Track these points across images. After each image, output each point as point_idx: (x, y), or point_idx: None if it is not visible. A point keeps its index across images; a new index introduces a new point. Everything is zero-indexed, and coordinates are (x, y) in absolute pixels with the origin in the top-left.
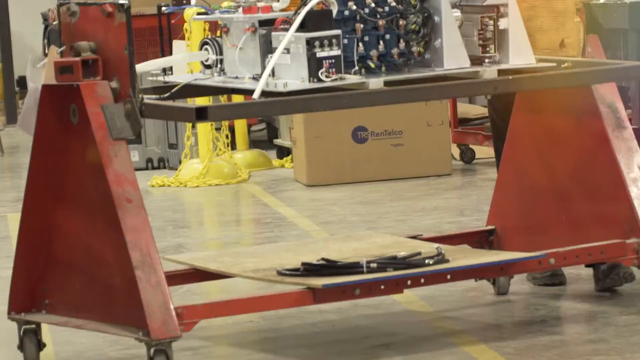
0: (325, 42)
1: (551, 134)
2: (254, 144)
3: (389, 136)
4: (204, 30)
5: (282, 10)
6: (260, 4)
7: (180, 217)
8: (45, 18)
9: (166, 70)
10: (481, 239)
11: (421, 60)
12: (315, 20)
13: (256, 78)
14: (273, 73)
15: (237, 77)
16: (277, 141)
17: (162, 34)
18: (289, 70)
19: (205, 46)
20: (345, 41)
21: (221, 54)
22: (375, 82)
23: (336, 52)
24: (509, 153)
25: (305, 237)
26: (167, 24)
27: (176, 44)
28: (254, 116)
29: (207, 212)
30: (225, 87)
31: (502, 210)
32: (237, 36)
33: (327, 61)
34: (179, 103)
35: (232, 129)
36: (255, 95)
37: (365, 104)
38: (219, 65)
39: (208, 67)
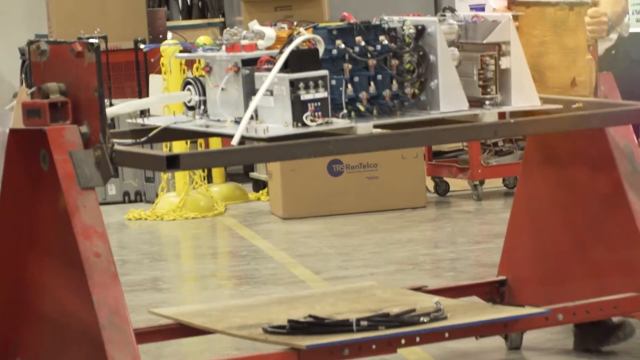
0: (311, 83)
1: (565, 179)
2: (230, 177)
3: (364, 169)
4: (181, 64)
5: (268, 48)
6: (244, 42)
7: (157, 250)
8: (22, 53)
9: (145, 112)
10: (492, 290)
11: (416, 103)
12: (299, 60)
13: (238, 121)
14: (256, 116)
15: (219, 120)
16: (253, 174)
17: (138, 68)
18: (272, 113)
19: (188, 86)
20: (334, 82)
21: (204, 94)
22: (364, 127)
23: (322, 94)
24: (520, 199)
25: (284, 271)
26: (144, 58)
27: (153, 78)
28: (231, 164)
29: (184, 245)
30: (205, 131)
31: (514, 260)
32: (220, 76)
33: (313, 104)
34: (150, 150)
35: None
36: (234, 141)
37: (353, 150)
38: (202, 107)
39: (191, 108)
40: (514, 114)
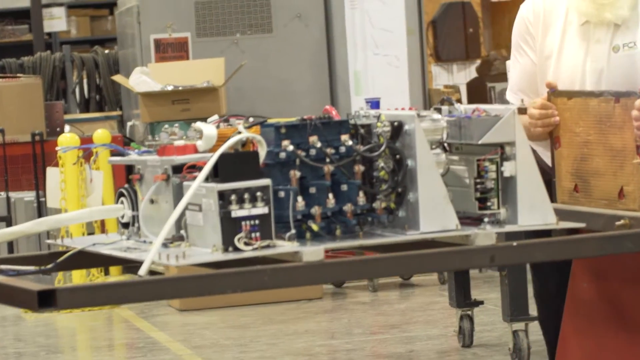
0: (246, 196)
1: (617, 304)
2: (127, 268)
3: None
4: (77, 157)
5: (211, 150)
6: (178, 143)
7: (53, 342)
8: None
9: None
10: None
11: (393, 220)
12: (232, 166)
13: (165, 244)
14: (187, 236)
15: (145, 242)
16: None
17: (35, 161)
18: (201, 233)
19: (121, 198)
20: (282, 194)
21: (138, 208)
22: (313, 253)
23: (262, 209)
24: (570, 328)
25: None
26: (41, 151)
27: (50, 171)
28: (123, 302)
29: (80, 337)
30: (117, 256)
31: None
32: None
33: (248, 223)
34: (24, 282)
35: None
36: (142, 271)
37: (295, 282)
38: (136, 224)
39: (126, 225)
40: (518, 235)
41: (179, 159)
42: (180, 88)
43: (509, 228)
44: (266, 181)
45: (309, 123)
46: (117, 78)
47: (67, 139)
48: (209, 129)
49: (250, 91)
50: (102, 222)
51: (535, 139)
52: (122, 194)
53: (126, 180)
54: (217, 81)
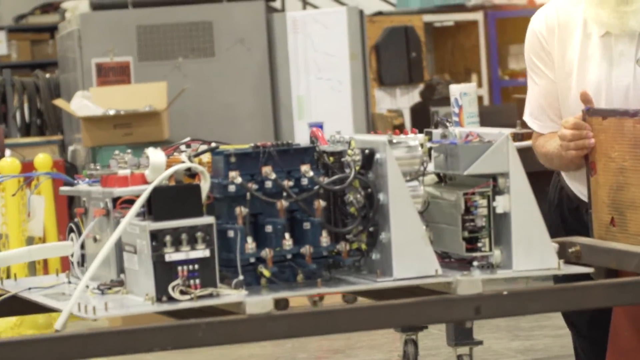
0: (184, 236)
1: None
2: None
3: None
4: (19, 182)
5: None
6: (122, 172)
7: None
8: None
9: None
10: None
11: (364, 264)
12: (168, 202)
13: (102, 289)
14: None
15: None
16: None
17: None
18: (137, 279)
19: (71, 234)
20: (231, 234)
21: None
22: (258, 304)
23: (202, 252)
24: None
25: None
26: None
27: None
28: None
29: None
30: (43, 303)
31: None
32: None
33: (185, 268)
34: None
35: None
36: (58, 324)
37: (235, 339)
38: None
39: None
40: (511, 281)
41: (118, 191)
42: (122, 112)
43: (501, 274)
44: (208, 219)
45: (262, 151)
46: (59, 102)
47: (8, 163)
48: (156, 156)
49: (193, 115)
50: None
51: (568, 166)
52: (72, 229)
53: (67, 206)
54: (160, 105)
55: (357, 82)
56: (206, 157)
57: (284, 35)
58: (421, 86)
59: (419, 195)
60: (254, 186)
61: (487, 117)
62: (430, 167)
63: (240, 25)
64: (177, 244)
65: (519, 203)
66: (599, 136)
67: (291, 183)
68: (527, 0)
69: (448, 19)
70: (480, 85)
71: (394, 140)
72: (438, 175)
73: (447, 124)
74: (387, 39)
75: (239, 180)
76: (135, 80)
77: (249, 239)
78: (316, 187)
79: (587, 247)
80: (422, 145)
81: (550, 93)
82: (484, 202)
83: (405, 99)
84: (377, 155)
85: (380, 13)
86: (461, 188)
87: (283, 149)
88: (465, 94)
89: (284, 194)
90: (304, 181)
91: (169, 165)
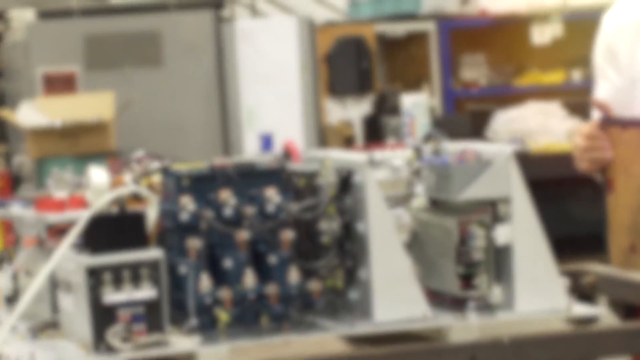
0: (126, 274)
1: None
2: None
3: None
4: None
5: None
6: (59, 194)
7: None
8: None
9: None
10: None
11: (341, 304)
12: (109, 233)
13: (33, 331)
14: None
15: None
16: None
17: None
18: (73, 322)
19: (2, 264)
20: (184, 270)
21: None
22: (214, 354)
23: (148, 292)
24: None
25: None
26: None
27: None
28: None
29: None
30: None
31: None
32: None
33: (127, 311)
34: None
35: None
36: None
37: None
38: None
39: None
40: (513, 326)
41: (53, 217)
42: (68, 123)
43: (502, 316)
44: (155, 253)
45: (221, 172)
46: (3, 113)
47: None
48: (98, 176)
49: (141, 126)
50: None
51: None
52: (2, 259)
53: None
54: (107, 116)
55: (308, 93)
56: (158, 177)
57: (234, 45)
58: (373, 97)
59: (404, 224)
60: (211, 214)
61: (439, 128)
62: (419, 188)
63: (189, 35)
64: (118, 283)
65: (523, 233)
66: (619, 149)
67: (254, 210)
68: (479, 10)
69: (400, 29)
70: (432, 95)
71: (376, 160)
72: (429, 199)
73: (439, 137)
74: (338, 49)
75: (192, 206)
76: (82, 90)
77: (204, 276)
78: (284, 215)
79: (604, 276)
80: (409, 163)
81: (614, 99)
82: (481, 232)
83: (357, 110)
84: (356, 178)
85: (331, 23)
86: (455, 215)
87: (245, 170)
88: (417, 105)
89: (246, 223)
90: (270, 208)
91: (114, 187)
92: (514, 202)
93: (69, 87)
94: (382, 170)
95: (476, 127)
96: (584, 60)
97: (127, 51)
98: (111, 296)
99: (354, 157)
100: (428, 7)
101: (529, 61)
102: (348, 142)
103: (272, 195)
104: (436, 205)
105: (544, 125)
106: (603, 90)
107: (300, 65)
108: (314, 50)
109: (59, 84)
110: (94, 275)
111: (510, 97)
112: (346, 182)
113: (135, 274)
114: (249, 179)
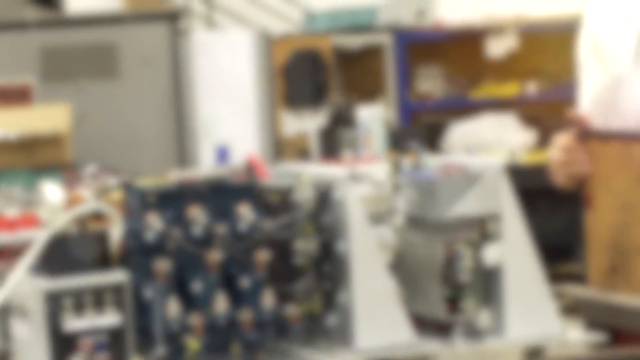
0: (88, 299)
1: None
2: None
3: None
4: None
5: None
6: (9, 212)
7: None
8: None
9: None
10: None
11: (318, 330)
12: (68, 254)
13: None
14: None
15: None
16: None
17: None
18: (29, 351)
19: None
20: (150, 294)
21: None
22: None
23: (112, 319)
24: None
25: None
26: None
27: None
28: None
29: None
30: None
31: None
32: None
33: (89, 339)
34: None
35: None
36: None
37: None
38: None
39: None
40: (502, 353)
41: (3, 238)
42: (23, 135)
43: (490, 342)
44: (118, 277)
45: (189, 188)
46: None
47: None
48: (52, 193)
49: (98, 138)
50: None
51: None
52: None
53: None
54: (63, 128)
55: (264, 105)
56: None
57: (190, 57)
58: (329, 109)
59: (387, 243)
60: (179, 233)
61: (395, 140)
62: (401, 205)
63: (146, 48)
64: (79, 309)
65: (513, 253)
66: (599, 163)
67: (225, 229)
68: (434, 23)
69: (356, 41)
70: (388, 108)
71: (356, 174)
72: (410, 216)
73: (419, 149)
74: (294, 62)
75: (159, 225)
76: (37, 102)
77: (172, 301)
78: (257, 234)
79: (583, 299)
80: (389, 178)
81: (599, 97)
82: (469, 251)
83: (312, 122)
84: (335, 193)
85: (287, 35)
86: (441, 234)
87: (215, 185)
88: (372, 117)
89: (217, 242)
90: (242, 226)
91: (70, 204)
92: (504, 220)
93: (24, 99)
94: (363, 185)
95: (431, 140)
96: (538, 72)
97: (83, 63)
98: (72, 323)
99: (333, 171)
100: (384, 20)
101: (484, 73)
102: (303, 154)
103: (245, 212)
104: (419, 223)
105: (499, 138)
106: (588, 89)
107: (256, 77)
108: (270, 63)
109: (14, 96)
110: (53, 301)
111: (466, 109)
112: (324, 199)
113: (97, 298)
114: (219, 195)
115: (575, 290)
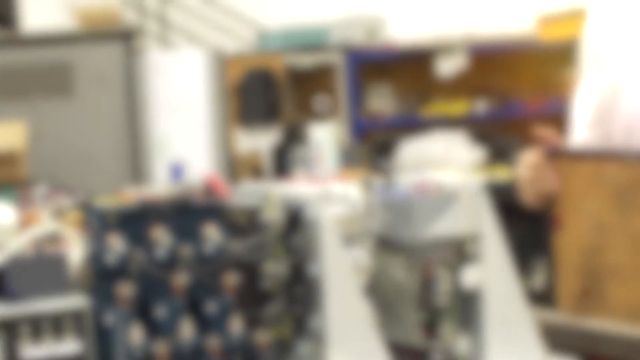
0: (46, 325)
1: None
2: None
3: None
4: None
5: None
6: None
7: None
8: None
9: None
10: None
11: (285, 356)
12: (24, 278)
13: None
14: None
15: None
16: None
17: None
18: None
19: None
20: (112, 320)
21: None
22: None
23: (72, 346)
24: None
25: None
26: None
27: None
28: None
29: None
30: None
31: None
32: None
33: None
34: None
35: None
36: None
37: None
38: None
39: None
40: None
41: None
42: None
43: None
44: (78, 302)
45: (152, 208)
46: None
47: None
48: (4, 214)
49: (52, 157)
50: None
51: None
52: None
53: None
54: (18, 146)
55: (217, 123)
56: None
57: (144, 76)
58: (281, 128)
59: (361, 266)
60: (142, 255)
61: (347, 158)
62: (375, 226)
63: (100, 67)
64: (37, 336)
65: (493, 275)
66: (570, 183)
67: (191, 251)
68: (384, 42)
69: (308, 60)
70: (341, 126)
71: (329, 193)
72: (386, 238)
73: (390, 169)
74: (247, 80)
75: (120, 247)
76: None
77: (135, 327)
78: (225, 256)
79: (554, 325)
80: (363, 197)
81: (599, 104)
82: (446, 274)
83: (265, 141)
84: (307, 213)
85: (240, 54)
86: (416, 256)
87: (179, 205)
88: (325, 136)
89: (182, 265)
90: (209, 248)
91: (25, 225)
92: (483, 240)
93: None
94: (336, 205)
95: (381, 158)
96: (487, 90)
97: (37, 82)
98: (29, 352)
99: (304, 190)
100: (335, 39)
101: (434, 92)
102: (256, 172)
103: (212, 233)
104: (394, 244)
105: (448, 155)
106: (589, 95)
107: (210, 96)
108: (224, 81)
109: None
110: (9, 328)
111: (416, 127)
112: (295, 219)
113: (56, 325)
114: (184, 215)
115: (546, 316)
